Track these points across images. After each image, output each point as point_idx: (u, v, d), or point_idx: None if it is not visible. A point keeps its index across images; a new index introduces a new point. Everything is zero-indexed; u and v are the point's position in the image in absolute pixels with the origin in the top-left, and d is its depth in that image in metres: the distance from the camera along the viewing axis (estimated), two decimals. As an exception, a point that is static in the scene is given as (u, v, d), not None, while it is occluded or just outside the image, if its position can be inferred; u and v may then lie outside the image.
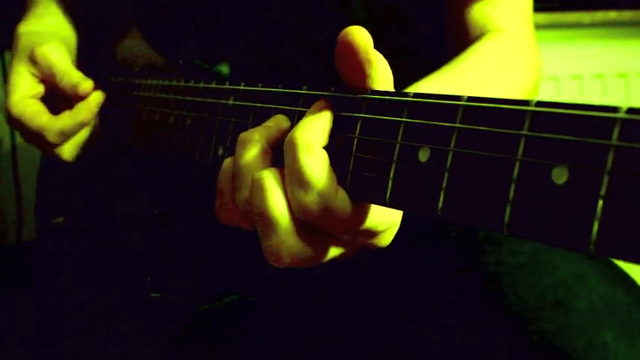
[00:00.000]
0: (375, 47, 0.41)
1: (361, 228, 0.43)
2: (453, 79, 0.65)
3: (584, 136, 0.27)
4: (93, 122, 0.79)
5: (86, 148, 0.81)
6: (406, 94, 0.39)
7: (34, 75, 0.80)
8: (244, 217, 0.46)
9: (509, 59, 0.72)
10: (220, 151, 0.58)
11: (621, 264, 0.66)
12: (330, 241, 0.44)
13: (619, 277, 0.62)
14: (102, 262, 0.84)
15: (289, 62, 0.77)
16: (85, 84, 0.77)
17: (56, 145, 0.78)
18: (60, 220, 0.89)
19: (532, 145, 0.30)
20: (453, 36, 0.79)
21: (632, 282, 0.63)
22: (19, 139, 1.40)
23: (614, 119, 0.26)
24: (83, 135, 0.79)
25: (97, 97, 0.78)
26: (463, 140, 0.33)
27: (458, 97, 0.35)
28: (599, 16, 1.57)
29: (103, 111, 0.80)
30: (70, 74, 0.78)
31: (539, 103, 0.30)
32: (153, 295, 0.78)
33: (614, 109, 0.27)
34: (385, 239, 0.46)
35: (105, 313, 0.80)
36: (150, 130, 0.73)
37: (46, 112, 0.78)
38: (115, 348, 0.77)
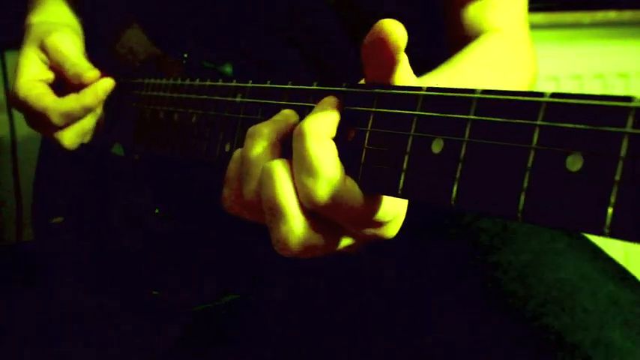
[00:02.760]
0: None
1: (370, 219, 0.43)
2: (451, 77, 0.65)
3: (599, 124, 0.28)
4: (98, 112, 0.79)
5: (87, 137, 0.81)
6: (419, 88, 0.39)
7: (43, 61, 0.80)
8: (249, 208, 0.47)
9: (504, 58, 0.73)
10: (227, 148, 0.58)
11: (624, 262, 0.67)
12: (338, 231, 0.45)
13: (623, 275, 0.63)
14: (102, 261, 0.84)
15: (289, 68, 0.77)
16: (91, 73, 0.77)
17: (58, 128, 0.77)
18: (59, 219, 0.89)
19: (546, 135, 0.30)
20: (450, 37, 0.80)
21: (635, 280, 0.63)
22: (19, 138, 1.40)
23: (629, 108, 0.27)
24: (86, 123, 0.79)
25: (104, 83, 0.78)
26: (477, 131, 0.34)
27: (472, 90, 0.35)
28: (599, 16, 1.58)
29: (107, 108, 0.80)
30: (78, 63, 0.78)
31: (554, 95, 0.31)
32: (154, 293, 0.78)
33: (629, 99, 0.27)
34: (391, 230, 0.46)
35: (105, 313, 0.80)
36: (153, 129, 0.73)
37: (51, 94, 0.78)
38: (115, 348, 0.77)
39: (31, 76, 0.79)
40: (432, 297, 0.67)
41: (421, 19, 0.80)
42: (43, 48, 0.80)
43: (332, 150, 0.42)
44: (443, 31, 0.81)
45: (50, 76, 0.81)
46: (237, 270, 0.79)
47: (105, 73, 0.79)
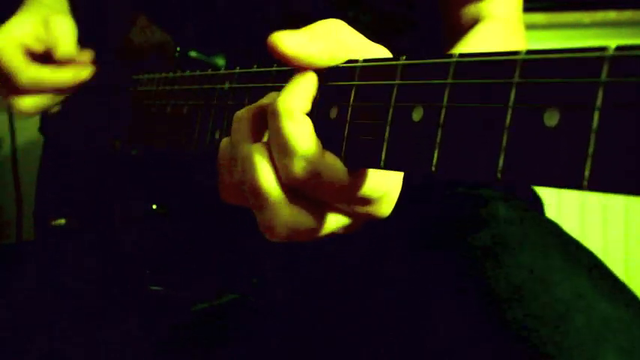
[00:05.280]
0: None
1: (356, 195, 0.42)
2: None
3: (574, 77, 0.27)
4: (64, 95, 0.79)
5: (39, 112, 0.80)
6: (398, 59, 0.39)
7: (37, 33, 0.78)
8: (242, 195, 0.46)
9: (504, 37, 0.74)
10: (217, 135, 0.58)
11: (620, 273, 0.66)
12: (326, 210, 0.44)
13: (619, 291, 0.62)
14: (101, 260, 0.84)
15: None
16: (80, 57, 0.77)
17: (20, 92, 0.76)
18: (61, 222, 0.89)
19: (523, 92, 0.30)
20: (447, 31, 0.81)
21: (633, 296, 0.62)
22: (19, 139, 1.40)
23: (603, 57, 0.26)
24: (48, 99, 0.78)
25: (85, 70, 0.77)
26: (455, 96, 0.34)
27: (449, 55, 0.35)
28: (599, 16, 1.57)
29: (97, 108, 0.80)
30: (71, 50, 0.78)
31: (530, 52, 0.30)
32: (153, 288, 0.77)
33: (603, 49, 0.27)
34: (384, 208, 0.45)
35: (105, 312, 0.80)
36: (146, 125, 0.73)
37: (27, 60, 0.77)
38: (115, 348, 0.77)
39: (17, 35, 0.77)
40: (431, 311, 0.66)
41: (419, 20, 0.81)
42: (46, 23, 0.78)
43: (306, 126, 0.42)
44: (439, 32, 0.81)
45: (37, 47, 0.78)
46: (237, 269, 0.79)
47: (104, 79, 0.80)
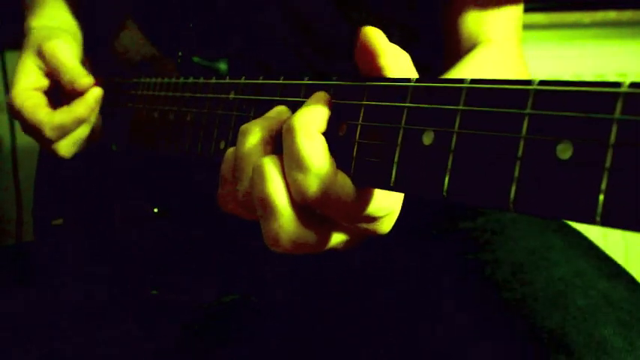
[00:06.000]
0: None
1: (362, 213, 0.43)
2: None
3: (588, 111, 0.27)
4: (93, 119, 0.79)
5: (85, 145, 0.80)
6: (408, 80, 0.39)
7: (40, 68, 0.80)
8: (244, 206, 0.47)
9: (502, 66, 0.74)
10: (222, 145, 0.58)
11: (620, 259, 0.67)
12: (331, 227, 0.44)
13: (617, 272, 0.63)
14: (102, 261, 0.84)
15: (287, 63, 0.77)
16: (84, 80, 0.77)
17: (53, 141, 0.77)
18: (59, 221, 0.89)
19: (535, 123, 0.30)
20: (447, 47, 0.80)
21: (630, 277, 0.63)
22: (19, 139, 1.40)
23: (617, 94, 0.27)
24: (82, 132, 0.78)
25: (94, 94, 0.77)
26: (467, 122, 0.34)
27: (461, 80, 0.35)
28: (599, 16, 1.57)
29: (103, 110, 0.80)
30: (72, 70, 0.78)
31: (542, 82, 0.30)
32: (153, 292, 0.78)
33: (617, 85, 0.27)
34: (385, 226, 0.46)
35: (105, 313, 0.80)
36: (149, 129, 0.73)
37: (45, 106, 0.78)
38: (116, 348, 0.77)
39: (28, 85, 0.79)
40: (431, 295, 0.67)
41: (422, 27, 0.80)
42: (40, 54, 0.80)
43: (322, 144, 0.42)
44: (441, 41, 0.81)
45: (46, 83, 0.81)
46: (238, 270, 0.79)
47: (99, 79, 0.79)
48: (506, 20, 0.78)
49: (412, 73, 0.44)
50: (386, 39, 0.43)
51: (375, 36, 0.42)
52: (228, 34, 0.77)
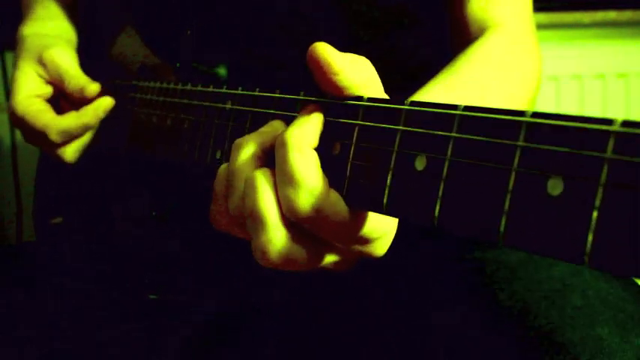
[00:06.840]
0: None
1: (355, 235, 0.42)
2: (455, 85, 0.65)
3: (580, 148, 0.27)
4: (97, 126, 0.79)
5: (86, 149, 0.81)
6: (403, 103, 0.39)
7: (41, 76, 0.80)
8: (236, 224, 0.46)
9: (509, 56, 0.72)
10: (218, 155, 0.58)
11: None
12: (322, 247, 0.44)
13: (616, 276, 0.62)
14: (101, 262, 0.84)
15: (288, 63, 0.77)
16: (92, 87, 0.77)
17: (58, 146, 0.77)
18: (58, 220, 0.89)
19: (527, 156, 0.30)
20: (453, 32, 0.78)
21: (631, 280, 0.63)
22: (19, 139, 1.40)
23: (609, 132, 0.26)
24: (86, 138, 0.79)
25: (104, 102, 0.77)
26: (460, 149, 0.33)
27: (454, 106, 0.35)
28: (599, 16, 1.57)
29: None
30: (78, 78, 0.78)
31: (535, 114, 0.30)
32: (151, 296, 0.78)
33: (609, 122, 0.27)
34: (379, 248, 0.45)
35: (105, 314, 0.80)
36: (147, 133, 0.73)
37: (50, 111, 0.78)
38: (116, 348, 0.77)
39: (29, 92, 0.79)
40: (429, 294, 0.67)
41: (425, 17, 0.79)
42: (41, 62, 0.79)
43: (313, 160, 0.42)
44: (447, 30, 0.80)
45: (48, 90, 0.80)
46: (236, 271, 0.79)
47: (103, 83, 0.79)
48: (514, 0, 0.76)
49: (374, 82, 0.43)
50: (337, 52, 0.42)
51: (325, 51, 0.41)
52: (229, 37, 0.77)
